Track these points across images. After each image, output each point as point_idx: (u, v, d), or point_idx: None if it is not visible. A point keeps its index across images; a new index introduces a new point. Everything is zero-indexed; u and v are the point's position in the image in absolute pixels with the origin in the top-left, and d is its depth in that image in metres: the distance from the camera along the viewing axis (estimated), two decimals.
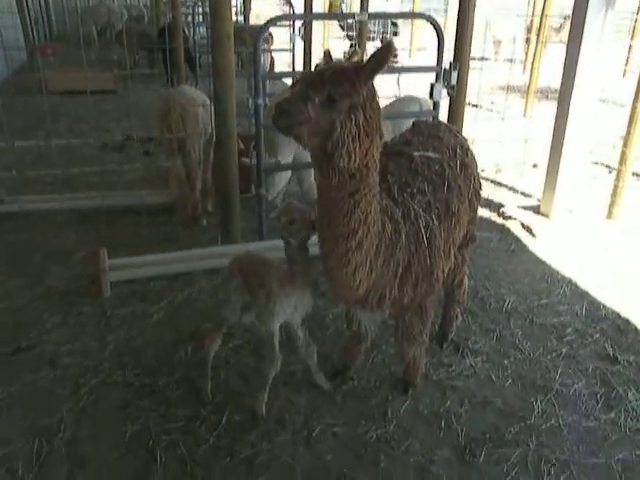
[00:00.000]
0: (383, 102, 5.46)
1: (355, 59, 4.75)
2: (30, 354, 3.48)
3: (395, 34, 15.31)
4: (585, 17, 4.97)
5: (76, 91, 9.01)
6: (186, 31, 10.49)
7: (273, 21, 4.46)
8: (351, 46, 13.11)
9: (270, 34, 9.98)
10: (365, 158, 2.23)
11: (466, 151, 3.15)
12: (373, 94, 2.22)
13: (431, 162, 2.87)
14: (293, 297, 2.84)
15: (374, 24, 13.85)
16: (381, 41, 13.35)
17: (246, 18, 12.03)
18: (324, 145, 2.17)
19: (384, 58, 2.10)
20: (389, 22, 14.44)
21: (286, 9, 9.67)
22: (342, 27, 13.31)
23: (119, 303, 4.02)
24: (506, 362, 3.52)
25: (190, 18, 10.60)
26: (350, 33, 13.56)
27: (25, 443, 2.82)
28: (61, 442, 2.83)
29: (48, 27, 18.65)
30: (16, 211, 5.28)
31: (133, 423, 2.96)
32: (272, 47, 10.58)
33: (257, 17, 14.22)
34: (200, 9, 10.23)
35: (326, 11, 14.08)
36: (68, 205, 5.39)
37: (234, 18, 11.56)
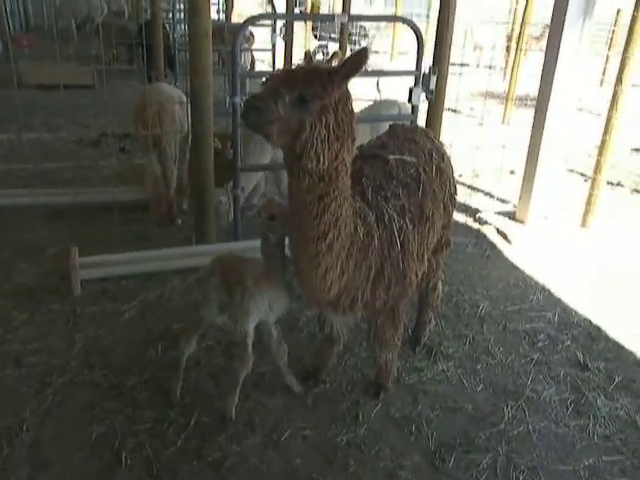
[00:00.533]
0: (362, 105, 5.45)
1: (336, 61, 4.75)
2: None
3: (365, 36, 15.33)
4: (563, 26, 5.02)
5: (52, 85, 8.88)
6: (167, 28, 10.40)
7: (253, 20, 4.43)
8: (319, 47, 13.14)
9: (251, 33, 9.95)
10: (335, 161, 2.21)
11: (442, 156, 3.15)
12: (346, 97, 2.20)
13: (406, 166, 2.87)
14: (267, 295, 2.82)
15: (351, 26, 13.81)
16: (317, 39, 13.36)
17: (228, 16, 11.96)
18: (293, 145, 2.15)
19: (359, 62, 2.09)
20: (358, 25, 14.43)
21: (269, 9, 9.63)
22: (314, 28, 13.26)
23: (89, 301, 3.95)
24: (478, 367, 3.52)
25: (170, 15, 10.51)
26: (322, 33, 13.56)
27: None
28: (23, 443, 2.76)
29: (25, 19, 18.36)
30: None
31: (99, 424, 2.90)
32: (253, 46, 10.54)
33: (239, 16, 14.12)
34: (180, 6, 10.15)
35: (308, 12, 14.06)
36: (41, 200, 5.28)
37: (216, 16, 11.54)
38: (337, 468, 2.75)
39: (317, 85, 2.09)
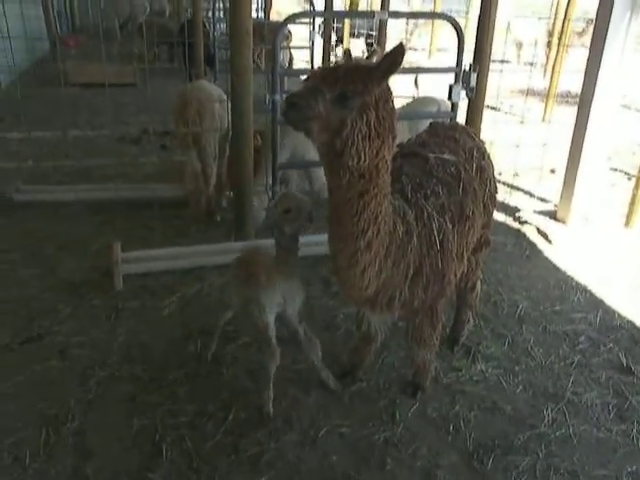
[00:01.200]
0: (401, 102, 5.42)
1: (374, 59, 4.72)
2: (40, 344, 3.49)
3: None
4: (609, 22, 4.90)
5: (96, 83, 9.08)
6: (207, 26, 10.51)
7: (293, 18, 4.44)
8: (367, 44, 13.07)
9: (289, 31, 9.96)
10: (375, 158, 2.20)
11: (483, 154, 3.11)
12: (387, 95, 2.20)
13: (446, 164, 2.84)
14: (280, 287, 2.87)
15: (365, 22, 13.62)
16: (366, 39, 13.18)
17: (267, 14, 12.03)
18: (333, 142, 2.15)
19: (397, 58, 2.09)
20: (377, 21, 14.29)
21: (307, 6, 9.65)
22: (351, 26, 13.08)
23: (130, 296, 4.03)
24: (517, 368, 3.48)
25: (210, 14, 10.63)
26: (360, 31, 13.46)
27: (32, 432, 2.83)
28: (68, 432, 2.84)
29: (71, 19, 18.80)
30: (31, 200, 5.32)
31: (140, 417, 2.96)
32: (291, 44, 10.57)
33: (278, 14, 14.21)
34: (220, 5, 10.25)
35: (346, 9, 14.03)
36: (83, 196, 5.42)
37: (254, 14, 11.62)
38: (373, 466, 2.75)
39: (358, 82, 2.09)
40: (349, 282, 2.52)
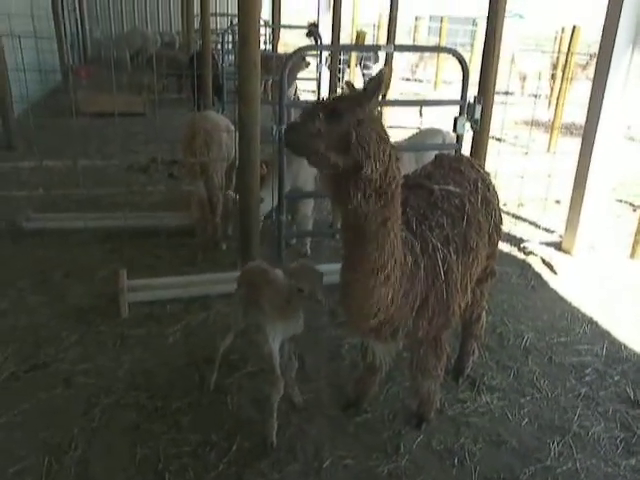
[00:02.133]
0: (407, 133, 5.48)
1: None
2: (46, 372, 3.50)
3: (376, 61, 15.35)
4: (612, 54, 4.97)
5: (107, 113, 9.22)
6: (216, 58, 10.71)
7: (301, 51, 4.53)
8: (364, 76, 13.27)
9: (304, 59, 10.07)
10: (389, 162, 2.23)
11: (488, 185, 3.14)
12: (378, 116, 2.32)
13: (451, 196, 2.87)
14: (281, 325, 2.90)
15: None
16: (362, 69, 13.43)
17: (274, 47, 12.24)
18: (345, 157, 2.17)
19: (380, 81, 2.22)
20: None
21: (313, 40, 9.83)
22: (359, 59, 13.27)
23: (136, 324, 4.04)
24: (523, 400, 3.45)
25: (219, 46, 10.82)
26: (367, 63, 13.68)
27: (36, 460, 2.83)
28: (71, 461, 2.83)
29: (83, 50, 19.18)
30: (41, 228, 5.38)
31: (143, 446, 2.95)
32: (298, 75, 10.72)
33: (285, 45, 14.46)
34: (229, 37, 10.44)
35: (353, 42, 14.26)
36: (92, 224, 5.47)
37: (262, 47, 11.83)
38: None
39: (348, 101, 2.21)
40: (359, 313, 2.53)
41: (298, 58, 8.82)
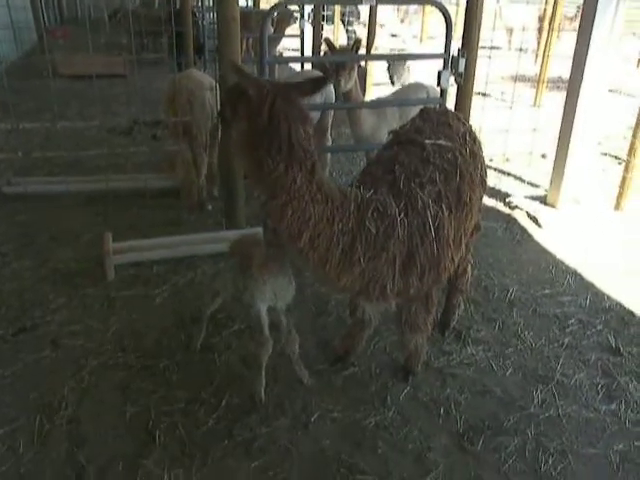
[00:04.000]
0: (392, 89, 5.38)
1: (359, 48, 4.73)
2: (33, 334, 3.51)
3: (358, 17, 15.06)
4: (596, 6, 4.90)
5: (85, 75, 9.02)
6: (196, 15, 10.44)
7: (281, 5, 4.43)
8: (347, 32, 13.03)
9: (291, 14, 9.86)
10: (261, 170, 2.34)
11: (474, 139, 3.13)
12: (269, 110, 2.30)
13: (443, 150, 2.85)
14: (271, 282, 2.87)
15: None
16: (346, 26, 13.22)
17: (256, 3, 11.96)
18: None
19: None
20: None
21: None
22: (342, 14, 13.01)
23: (123, 286, 4.04)
24: (507, 351, 3.51)
25: (199, 3, 10.55)
26: (350, 19, 13.43)
27: (27, 421, 2.85)
28: (62, 420, 2.86)
29: (59, 10, 18.64)
30: (22, 192, 5.31)
31: (133, 404, 2.98)
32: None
33: (268, 2, 14.12)
34: None
35: None
36: (75, 187, 5.41)
37: (243, 3, 11.55)
38: (365, 450, 2.79)
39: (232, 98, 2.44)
40: (318, 277, 2.67)
41: (283, 14, 8.64)
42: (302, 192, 2.35)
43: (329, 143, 5.69)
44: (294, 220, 2.38)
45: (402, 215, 2.56)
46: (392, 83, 7.44)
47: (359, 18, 14.16)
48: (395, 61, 6.77)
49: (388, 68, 6.97)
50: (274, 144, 2.26)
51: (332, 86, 5.33)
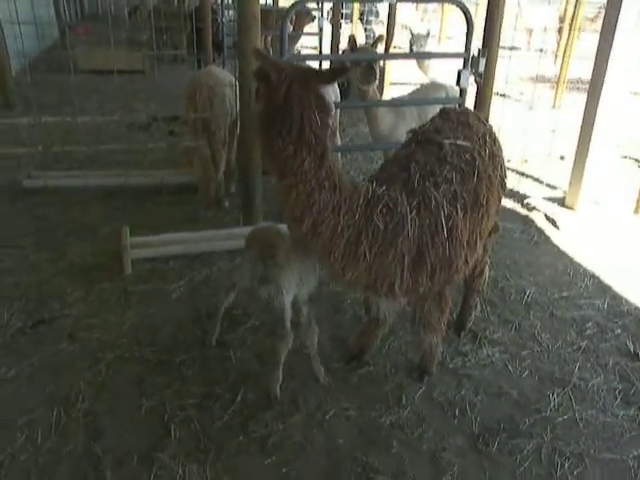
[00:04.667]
0: (410, 88, 5.38)
1: (380, 45, 4.71)
2: (51, 327, 3.54)
3: (377, 15, 14.99)
4: (620, 7, 4.85)
5: (105, 70, 9.09)
6: (216, 12, 10.49)
7: (301, 3, 4.43)
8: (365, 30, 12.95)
9: (309, 12, 9.86)
10: (271, 151, 2.39)
11: (494, 140, 3.11)
12: (284, 93, 2.33)
13: (461, 150, 2.83)
14: (298, 268, 2.88)
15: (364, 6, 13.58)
16: (364, 25, 13.17)
17: (275, 1, 11.96)
18: None
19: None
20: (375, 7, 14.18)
21: None
22: (361, 12, 13.00)
23: (139, 280, 4.06)
24: (524, 353, 3.49)
25: (219, 0, 10.59)
26: (369, 17, 13.36)
27: (44, 412, 2.88)
28: (79, 413, 2.89)
29: (80, 6, 18.79)
30: (42, 186, 5.36)
31: (149, 398, 3.00)
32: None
33: (287, 0, 14.13)
34: None
35: None
36: (94, 182, 5.46)
37: (263, 0, 11.56)
38: (380, 449, 2.78)
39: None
40: (326, 270, 2.69)
41: (302, 12, 8.64)
42: (309, 177, 2.37)
43: (339, 143, 5.67)
44: (299, 203, 2.41)
45: (413, 213, 2.55)
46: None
47: (378, 16, 14.10)
48: (419, 34, 6.84)
49: (411, 40, 7.03)
50: (285, 125, 2.30)
51: (335, 85, 5.34)
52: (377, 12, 15.02)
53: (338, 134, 5.67)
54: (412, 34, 6.41)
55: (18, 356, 3.27)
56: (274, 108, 2.31)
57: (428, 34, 6.66)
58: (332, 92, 5.38)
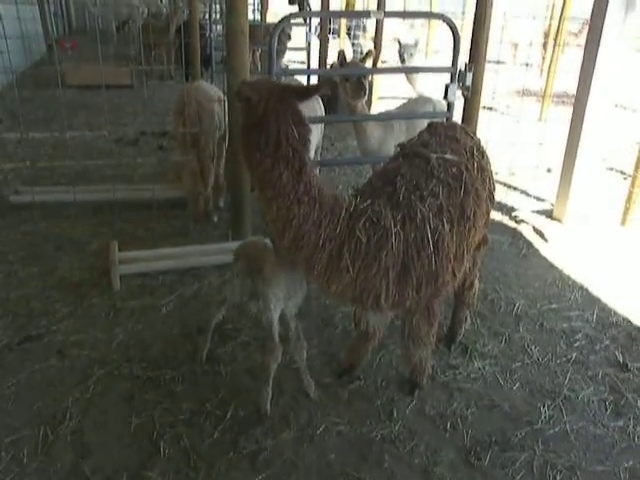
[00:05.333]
0: (398, 102, 5.41)
1: (370, 59, 4.75)
2: (39, 343, 3.50)
3: (364, 30, 15.10)
4: (603, 21, 4.92)
5: (93, 85, 9.09)
6: (204, 28, 10.54)
7: (289, 18, 4.45)
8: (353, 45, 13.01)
9: (289, 33, 9.96)
10: (251, 164, 2.46)
11: (482, 153, 3.13)
12: (263, 110, 2.40)
13: (448, 164, 2.85)
14: (283, 280, 2.88)
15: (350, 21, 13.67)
16: (351, 40, 13.24)
17: (263, 16, 12.05)
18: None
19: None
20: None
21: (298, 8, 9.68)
22: (348, 28, 12.99)
23: (129, 296, 4.04)
24: (514, 366, 3.49)
25: (207, 15, 10.64)
26: (356, 32, 13.40)
27: (31, 431, 2.84)
28: (67, 431, 2.85)
29: (67, 21, 18.81)
30: (30, 202, 5.32)
31: (138, 415, 2.97)
32: (289, 45, 10.59)
33: (275, 15, 14.22)
34: (217, 7, 10.26)
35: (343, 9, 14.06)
36: (82, 197, 5.42)
37: (250, 16, 11.63)
38: (371, 464, 2.76)
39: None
40: (310, 276, 2.69)
41: (286, 27, 8.69)
42: (287, 190, 2.42)
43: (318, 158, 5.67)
44: (279, 217, 2.46)
45: (398, 227, 2.56)
46: (402, 61, 7.49)
47: (365, 31, 14.20)
48: (407, 44, 6.86)
49: (399, 50, 7.02)
50: (262, 139, 2.37)
51: (320, 100, 5.37)
52: (364, 27, 15.15)
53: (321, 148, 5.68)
54: (400, 44, 6.44)
55: (4, 373, 3.22)
56: (252, 123, 2.39)
57: (416, 43, 6.70)
58: (317, 107, 5.40)
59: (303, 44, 9.13)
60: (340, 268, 2.53)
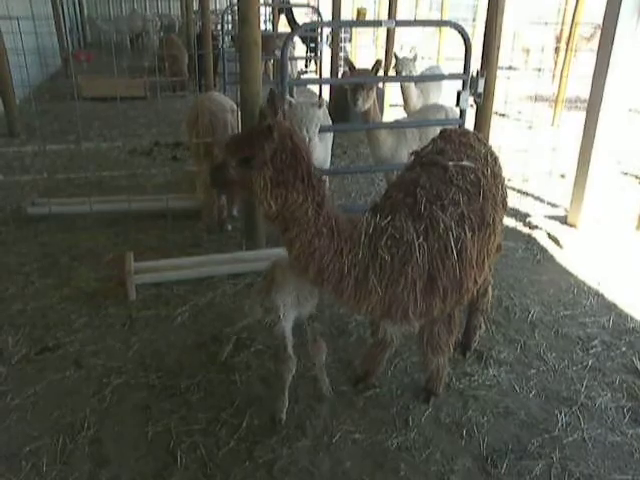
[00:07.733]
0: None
1: (380, 69, 4.77)
2: (56, 354, 3.54)
3: (350, 40, 15.05)
4: (616, 26, 4.91)
5: (108, 97, 9.20)
6: (218, 39, 10.65)
7: (302, 28, 4.50)
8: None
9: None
10: (285, 204, 2.45)
11: (495, 159, 3.13)
12: (289, 148, 2.44)
13: (465, 171, 2.85)
14: (294, 285, 2.88)
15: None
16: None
17: (274, 26, 12.14)
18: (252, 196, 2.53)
19: (274, 107, 2.49)
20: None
21: (315, 18, 9.72)
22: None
23: (144, 306, 4.07)
24: (530, 373, 3.47)
25: (219, 27, 10.75)
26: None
27: (50, 440, 2.87)
28: (85, 440, 2.87)
29: (82, 35, 19.07)
30: (46, 213, 5.39)
31: (155, 424, 2.99)
32: (299, 54, 10.67)
33: (286, 25, 14.32)
34: (229, 17, 10.36)
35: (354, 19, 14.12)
36: (97, 208, 5.48)
37: (263, 26, 11.74)
38: (387, 472, 2.76)
39: (253, 146, 2.43)
40: (340, 302, 2.71)
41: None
42: (310, 224, 2.47)
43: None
44: (301, 252, 2.50)
45: (421, 239, 2.56)
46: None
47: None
48: (405, 58, 6.72)
49: (396, 64, 6.81)
50: (291, 174, 2.43)
51: (325, 109, 5.37)
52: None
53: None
54: (397, 58, 6.32)
55: (23, 383, 3.26)
56: (280, 161, 2.42)
57: (415, 57, 6.60)
58: (323, 116, 5.42)
59: (302, 54, 9.21)
60: (368, 289, 2.56)
